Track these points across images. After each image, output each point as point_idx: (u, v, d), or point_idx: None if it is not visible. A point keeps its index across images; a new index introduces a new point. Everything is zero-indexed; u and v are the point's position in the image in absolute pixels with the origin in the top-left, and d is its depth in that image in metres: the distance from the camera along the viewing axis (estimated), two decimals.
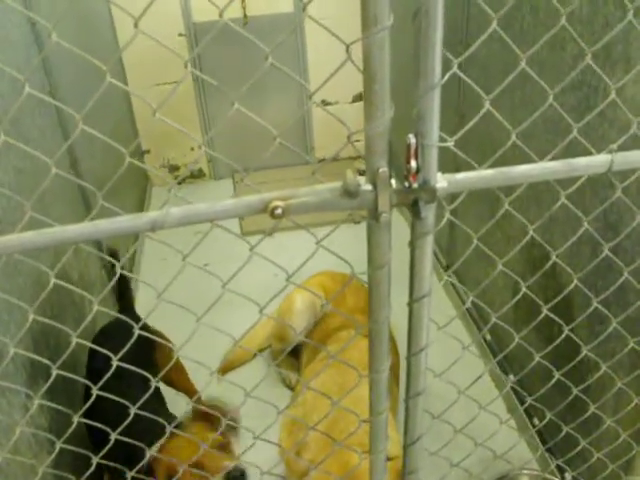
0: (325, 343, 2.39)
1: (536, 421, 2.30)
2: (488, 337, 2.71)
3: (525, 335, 1.56)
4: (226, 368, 2.76)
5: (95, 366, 2.11)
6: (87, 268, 2.71)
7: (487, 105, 0.98)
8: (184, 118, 4.20)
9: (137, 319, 2.18)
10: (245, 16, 3.95)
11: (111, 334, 2.18)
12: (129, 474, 1.41)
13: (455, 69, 0.92)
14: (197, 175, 4.60)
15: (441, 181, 0.93)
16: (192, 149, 4.42)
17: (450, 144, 0.95)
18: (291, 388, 2.71)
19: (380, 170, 0.90)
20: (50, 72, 2.48)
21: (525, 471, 2.10)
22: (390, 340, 1.14)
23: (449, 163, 1.07)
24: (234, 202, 0.93)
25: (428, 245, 1.01)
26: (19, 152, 2.04)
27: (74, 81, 2.77)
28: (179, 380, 2.35)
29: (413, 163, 0.91)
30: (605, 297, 1.58)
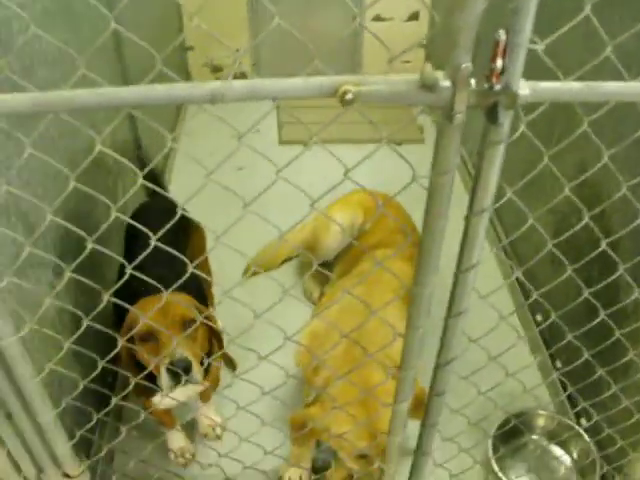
0: (359, 260, 2.36)
1: (559, 364, 2.28)
2: (520, 276, 2.67)
3: (560, 275, 1.50)
4: (251, 270, 2.73)
5: (129, 247, 2.10)
6: (122, 156, 2.68)
7: (587, 9, 0.90)
8: (233, 17, 4.06)
9: (171, 201, 2.14)
10: None
11: (148, 214, 2.13)
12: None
13: None
14: (239, 78, 4.48)
15: (524, 87, 0.87)
16: (237, 50, 4.28)
17: (541, 47, 0.87)
18: (313, 302, 2.70)
19: (463, 66, 0.83)
20: None
21: (542, 411, 2.09)
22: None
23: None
24: (303, 81, 0.87)
25: (498, 156, 0.95)
26: (65, 24, 1.97)
27: None
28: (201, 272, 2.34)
29: (499, 62, 0.83)
30: None
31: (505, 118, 0.89)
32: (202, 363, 1.70)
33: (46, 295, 1.69)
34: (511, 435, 2.03)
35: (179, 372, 1.61)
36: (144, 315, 1.50)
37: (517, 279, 2.65)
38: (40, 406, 1.33)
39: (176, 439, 2.18)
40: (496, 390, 1.65)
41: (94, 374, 1.40)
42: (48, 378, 1.67)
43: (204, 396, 2.14)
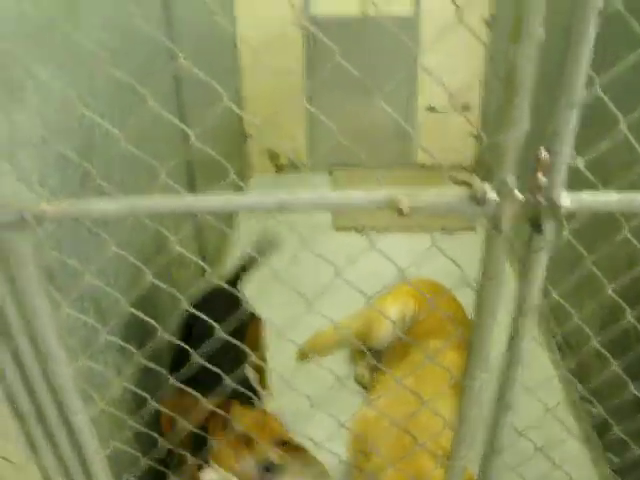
0: (410, 350, 2.41)
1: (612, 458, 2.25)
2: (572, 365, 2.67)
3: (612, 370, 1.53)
4: (304, 355, 2.81)
5: (190, 334, 2.19)
6: (184, 247, 2.82)
7: (624, 128, 0.98)
8: (290, 108, 4.28)
9: (234, 295, 2.24)
10: (363, 14, 4.00)
11: (210, 304, 2.23)
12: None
13: (597, 90, 0.92)
14: (295, 166, 4.68)
15: (565, 199, 0.94)
16: (293, 139, 4.49)
17: (581, 164, 0.95)
18: (363, 386, 2.74)
19: (509, 181, 0.92)
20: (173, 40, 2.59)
21: None
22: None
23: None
24: (364, 194, 0.96)
25: (542, 262, 1.01)
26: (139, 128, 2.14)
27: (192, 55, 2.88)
28: (258, 365, 2.42)
29: (542, 177, 0.92)
30: None
31: (548, 228, 0.97)
32: None
33: (112, 376, 1.80)
34: None
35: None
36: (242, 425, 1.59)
37: (571, 371, 2.65)
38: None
39: None
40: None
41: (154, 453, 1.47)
42: (111, 453, 1.75)
43: None
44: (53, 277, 1.52)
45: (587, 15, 0.82)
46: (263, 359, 2.43)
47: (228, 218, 3.93)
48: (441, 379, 2.04)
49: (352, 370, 2.84)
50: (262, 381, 2.51)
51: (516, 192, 0.93)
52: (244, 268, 2.56)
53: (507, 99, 0.88)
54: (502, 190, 0.93)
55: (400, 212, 0.95)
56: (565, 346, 2.83)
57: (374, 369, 2.72)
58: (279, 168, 4.68)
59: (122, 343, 1.60)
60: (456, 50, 4.00)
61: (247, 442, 1.66)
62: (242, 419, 1.68)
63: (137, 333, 1.99)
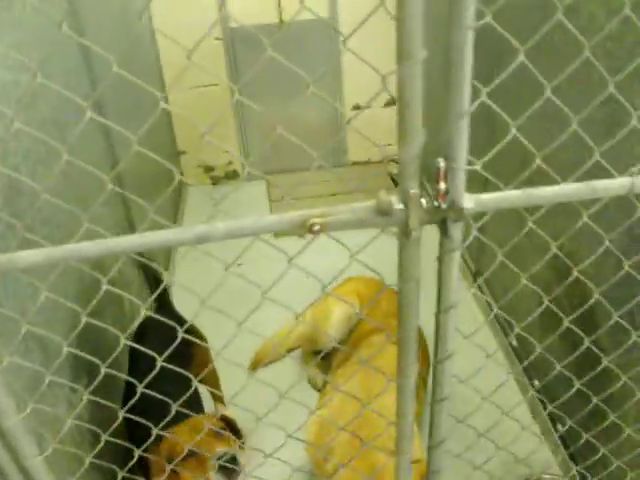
0: (357, 347, 2.46)
1: (559, 427, 2.35)
2: (514, 343, 2.76)
3: (550, 342, 1.61)
4: (256, 364, 2.85)
5: (136, 362, 2.21)
6: (124, 266, 2.82)
7: (513, 131, 1.05)
8: (220, 120, 4.29)
9: (176, 315, 2.27)
10: (281, 21, 4.04)
11: (151, 329, 2.26)
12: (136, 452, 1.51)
13: (483, 98, 0.98)
14: (231, 176, 4.70)
15: (468, 201, 1.00)
16: (226, 151, 4.51)
17: (477, 167, 1.01)
18: (317, 389, 2.79)
19: (411, 192, 0.97)
20: (92, 70, 2.58)
21: (546, 475, 2.15)
22: (421, 346, 1.22)
23: (478, 179, 1.13)
24: (276, 218, 1.00)
25: (454, 261, 1.07)
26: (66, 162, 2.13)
27: (114, 82, 2.87)
28: (209, 378, 2.45)
29: (442, 185, 0.97)
30: (629, 308, 1.62)
31: (455, 230, 1.03)
32: None
33: (65, 412, 1.81)
34: None
35: (230, 466, 1.73)
36: (183, 441, 1.63)
37: (511, 346, 2.74)
38: None
39: None
40: (498, 458, 1.73)
41: None
42: None
43: None
44: None
45: (463, 34, 0.88)
46: (215, 377, 2.47)
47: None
48: (388, 373, 2.10)
49: (303, 371, 2.89)
50: (214, 395, 2.55)
51: (421, 200, 0.99)
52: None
53: (399, 115, 0.93)
54: (407, 199, 0.98)
55: (313, 232, 0.99)
56: (504, 321, 2.93)
57: (326, 371, 2.77)
58: (215, 180, 4.70)
59: (67, 382, 1.61)
60: (376, 46, 4.08)
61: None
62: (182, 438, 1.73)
63: (87, 366, 1.99)
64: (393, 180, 4.26)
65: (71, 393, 1.91)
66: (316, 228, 0.99)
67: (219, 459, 1.72)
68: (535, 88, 1.12)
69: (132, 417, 1.43)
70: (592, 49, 1.15)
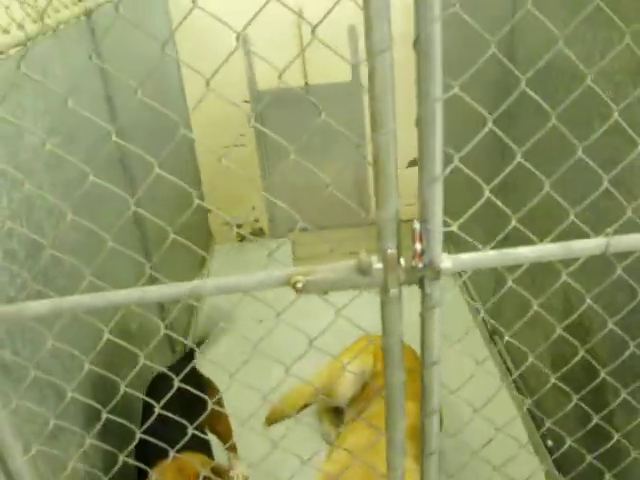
0: (369, 404, 2.49)
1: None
2: (529, 403, 2.76)
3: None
4: (271, 420, 2.89)
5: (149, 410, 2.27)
6: (147, 319, 2.90)
7: (487, 194, 1.10)
8: (247, 180, 4.43)
9: (192, 368, 2.34)
10: (306, 84, 4.20)
11: (166, 379, 2.33)
12: None
13: (456, 162, 1.05)
14: (258, 233, 4.81)
15: (446, 261, 1.05)
16: (253, 208, 4.63)
17: (453, 228, 1.07)
18: (330, 444, 2.80)
19: (389, 252, 1.03)
20: (122, 134, 2.71)
21: None
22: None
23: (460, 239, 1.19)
24: (263, 276, 1.07)
25: (435, 318, 1.12)
26: (89, 213, 2.25)
27: (144, 144, 3.01)
28: (222, 430, 2.50)
29: (418, 246, 1.03)
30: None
31: (433, 288, 1.07)
32: None
33: (76, 456, 1.86)
34: None
35: None
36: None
37: (529, 411, 2.74)
38: None
39: None
40: None
41: None
42: None
43: None
44: (8, 371, 1.60)
45: (432, 106, 0.95)
46: (227, 425, 2.52)
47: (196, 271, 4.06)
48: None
49: (319, 426, 2.91)
50: (229, 446, 2.59)
51: (399, 259, 1.04)
52: (198, 344, 2.69)
53: (375, 180, 1.00)
54: (385, 259, 1.04)
55: (297, 289, 1.05)
56: (524, 387, 2.92)
57: (340, 426, 2.79)
58: (241, 237, 4.81)
59: (77, 430, 1.67)
60: (399, 108, 4.19)
61: None
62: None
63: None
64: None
65: (83, 440, 1.97)
66: (299, 285, 1.05)
67: None
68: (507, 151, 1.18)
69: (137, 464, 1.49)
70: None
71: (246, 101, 4.33)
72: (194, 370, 2.49)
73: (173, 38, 4.10)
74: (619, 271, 1.29)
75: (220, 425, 2.49)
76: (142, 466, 1.58)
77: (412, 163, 4.50)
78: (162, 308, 3.18)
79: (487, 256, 1.09)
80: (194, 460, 1.84)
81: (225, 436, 2.53)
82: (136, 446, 2.06)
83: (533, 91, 1.13)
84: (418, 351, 1.21)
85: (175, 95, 4.19)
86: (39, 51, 1.97)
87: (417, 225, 1.03)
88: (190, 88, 4.29)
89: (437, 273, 1.05)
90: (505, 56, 2.71)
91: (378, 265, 1.04)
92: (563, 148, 1.96)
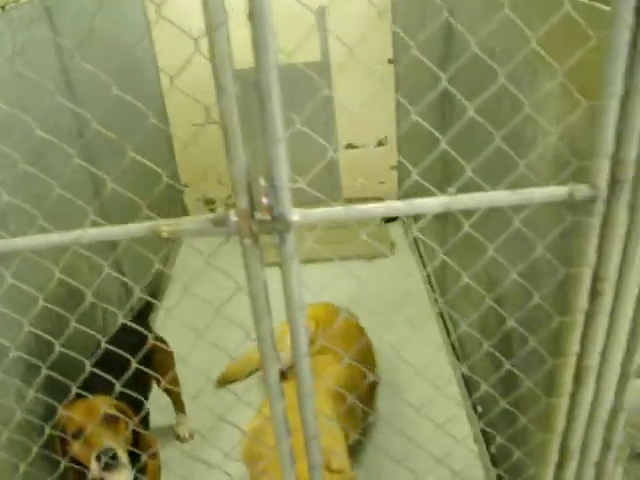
0: None
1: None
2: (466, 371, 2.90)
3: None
4: (223, 381, 3.06)
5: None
6: (105, 285, 3.05)
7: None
8: (220, 156, 4.53)
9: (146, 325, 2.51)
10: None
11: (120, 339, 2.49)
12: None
13: (298, 126, 1.18)
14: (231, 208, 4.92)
15: (295, 215, 1.18)
16: (220, 182, 4.74)
17: (301, 185, 1.20)
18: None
19: (242, 206, 1.16)
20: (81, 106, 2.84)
21: None
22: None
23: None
24: (135, 226, 1.20)
25: (293, 268, 1.24)
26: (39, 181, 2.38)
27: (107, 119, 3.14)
28: (170, 386, 2.66)
29: (264, 200, 1.16)
30: None
31: (286, 239, 1.20)
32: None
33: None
34: None
35: (107, 460, 1.95)
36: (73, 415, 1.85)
37: (463, 376, 2.89)
38: None
39: None
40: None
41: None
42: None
43: None
44: None
45: (267, 75, 1.08)
46: (175, 383, 2.67)
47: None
48: (322, 389, 2.27)
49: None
50: (176, 404, 2.75)
51: (253, 213, 1.18)
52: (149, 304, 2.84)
53: (225, 139, 1.13)
54: (240, 213, 1.17)
55: (162, 236, 1.19)
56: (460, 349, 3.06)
57: None
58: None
59: (16, 382, 1.82)
60: (366, 90, 4.33)
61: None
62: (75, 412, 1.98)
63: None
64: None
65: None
66: (164, 234, 1.19)
67: (103, 453, 1.93)
68: None
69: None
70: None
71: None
72: (147, 327, 2.66)
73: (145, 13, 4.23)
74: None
75: (169, 381, 2.65)
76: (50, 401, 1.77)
77: (380, 143, 4.64)
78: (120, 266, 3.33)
79: (332, 211, 1.22)
80: (103, 401, 2.02)
81: (173, 393, 2.69)
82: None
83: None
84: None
85: (148, 72, 4.30)
86: None
87: (262, 182, 1.16)
88: (163, 61, 4.38)
89: (287, 225, 1.18)
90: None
91: (234, 217, 1.17)
92: None
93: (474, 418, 2.75)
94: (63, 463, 1.86)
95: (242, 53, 1.44)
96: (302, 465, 1.99)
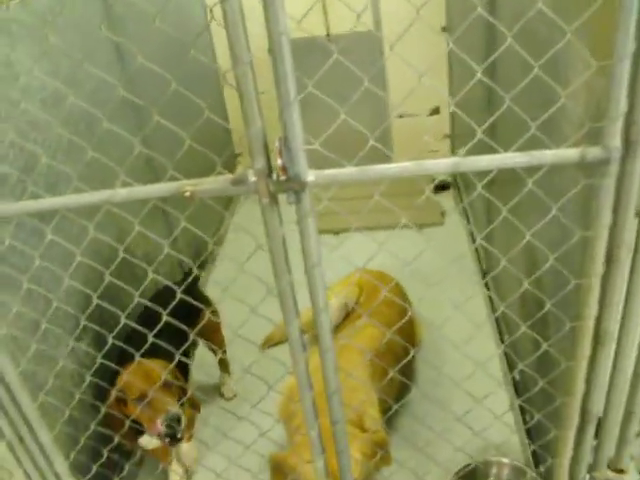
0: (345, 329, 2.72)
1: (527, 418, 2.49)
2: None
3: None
4: (267, 344, 3.19)
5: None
6: (156, 253, 3.19)
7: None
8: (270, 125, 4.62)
9: (196, 289, 2.63)
10: (328, 34, 4.34)
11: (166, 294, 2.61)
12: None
13: (311, 88, 1.23)
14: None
15: (310, 175, 1.24)
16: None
17: (316, 146, 1.26)
18: None
19: (259, 166, 1.23)
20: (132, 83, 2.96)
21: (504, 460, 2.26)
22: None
23: None
24: (158, 187, 1.29)
25: (310, 226, 1.30)
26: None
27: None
28: (216, 341, 2.78)
29: (279, 161, 1.22)
30: None
31: (304, 198, 1.26)
32: None
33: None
34: None
35: (174, 425, 2.06)
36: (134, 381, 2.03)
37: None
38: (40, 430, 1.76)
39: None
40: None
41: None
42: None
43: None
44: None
45: (279, 40, 1.13)
46: (221, 344, 2.80)
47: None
48: (357, 352, 2.35)
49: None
50: (221, 364, 2.87)
51: (272, 174, 1.24)
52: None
53: (241, 105, 1.19)
54: (257, 173, 1.24)
55: (187, 197, 1.27)
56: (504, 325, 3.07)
57: None
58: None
59: (66, 338, 1.96)
60: (419, 57, 4.30)
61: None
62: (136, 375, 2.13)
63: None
64: (436, 187, 4.45)
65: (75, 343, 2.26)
66: (187, 194, 1.27)
67: (170, 418, 2.06)
68: None
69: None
70: None
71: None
72: (195, 287, 2.77)
73: None
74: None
75: (214, 337, 2.77)
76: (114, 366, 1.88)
77: (434, 111, 4.62)
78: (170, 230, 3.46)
79: (347, 172, 1.28)
80: (161, 366, 2.14)
81: (218, 347, 2.81)
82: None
83: None
84: None
85: (204, 46, 4.40)
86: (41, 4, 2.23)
87: (277, 143, 1.22)
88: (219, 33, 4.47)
89: (302, 185, 1.24)
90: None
91: (252, 178, 1.24)
92: None
93: (512, 393, 2.77)
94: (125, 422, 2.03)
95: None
96: (327, 420, 2.08)
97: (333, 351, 1.52)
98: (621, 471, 1.68)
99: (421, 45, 4.40)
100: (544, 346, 1.75)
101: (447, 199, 4.45)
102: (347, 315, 2.88)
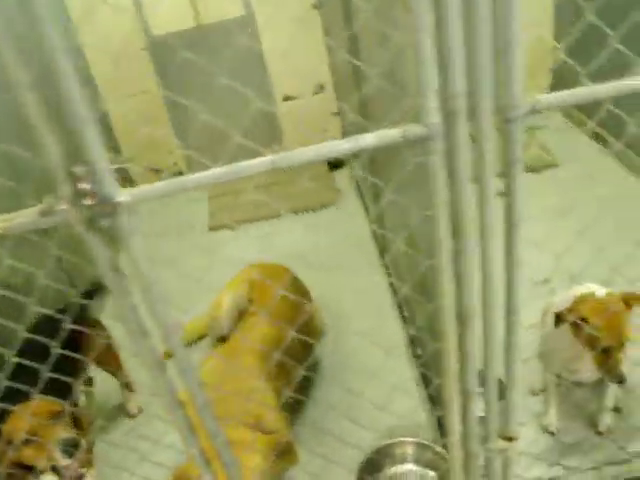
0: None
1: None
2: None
3: None
4: (169, 353, 3.06)
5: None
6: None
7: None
8: (159, 124, 4.49)
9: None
10: (198, 25, 4.21)
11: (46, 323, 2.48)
12: None
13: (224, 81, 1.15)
14: (178, 175, 4.88)
15: (123, 195, 1.17)
16: (170, 152, 4.70)
17: (125, 165, 1.18)
18: None
19: (65, 193, 1.14)
20: None
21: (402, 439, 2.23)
22: None
23: None
24: None
25: (134, 246, 1.23)
26: None
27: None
28: (111, 367, 2.68)
29: (83, 186, 1.14)
30: None
31: (117, 220, 1.18)
32: None
33: None
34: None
35: (70, 450, 2.00)
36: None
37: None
38: None
39: None
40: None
41: None
42: None
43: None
44: None
45: (55, 57, 1.04)
46: (114, 363, 2.71)
47: None
48: (248, 351, 2.30)
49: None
50: (122, 382, 2.79)
51: (82, 200, 1.16)
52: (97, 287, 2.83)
53: (34, 134, 1.10)
54: (65, 200, 1.15)
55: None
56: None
57: None
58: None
59: None
60: (296, 37, 4.25)
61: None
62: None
63: None
64: (329, 164, 4.39)
65: None
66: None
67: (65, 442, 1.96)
68: None
69: None
70: None
71: (143, 49, 4.34)
72: (83, 311, 2.65)
73: None
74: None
75: (108, 360, 2.68)
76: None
77: (317, 91, 4.57)
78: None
79: (158, 186, 1.22)
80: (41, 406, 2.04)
81: (116, 372, 2.71)
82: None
83: None
84: None
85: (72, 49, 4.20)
86: None
87: (77, 169, 1.13)
88: (86, 40, 4.29)
89: (114, 207, 1.16)
90: None
91: (63, 206, 1.16)
92: None
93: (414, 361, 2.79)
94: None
95: None
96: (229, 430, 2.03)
97: (192, 368, 1.45)
98: (510, 439, 1.69)
99: (296, 24, 4.36)
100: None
101: (342, 177, 4.41)
102: (241, 315, 2.81)
